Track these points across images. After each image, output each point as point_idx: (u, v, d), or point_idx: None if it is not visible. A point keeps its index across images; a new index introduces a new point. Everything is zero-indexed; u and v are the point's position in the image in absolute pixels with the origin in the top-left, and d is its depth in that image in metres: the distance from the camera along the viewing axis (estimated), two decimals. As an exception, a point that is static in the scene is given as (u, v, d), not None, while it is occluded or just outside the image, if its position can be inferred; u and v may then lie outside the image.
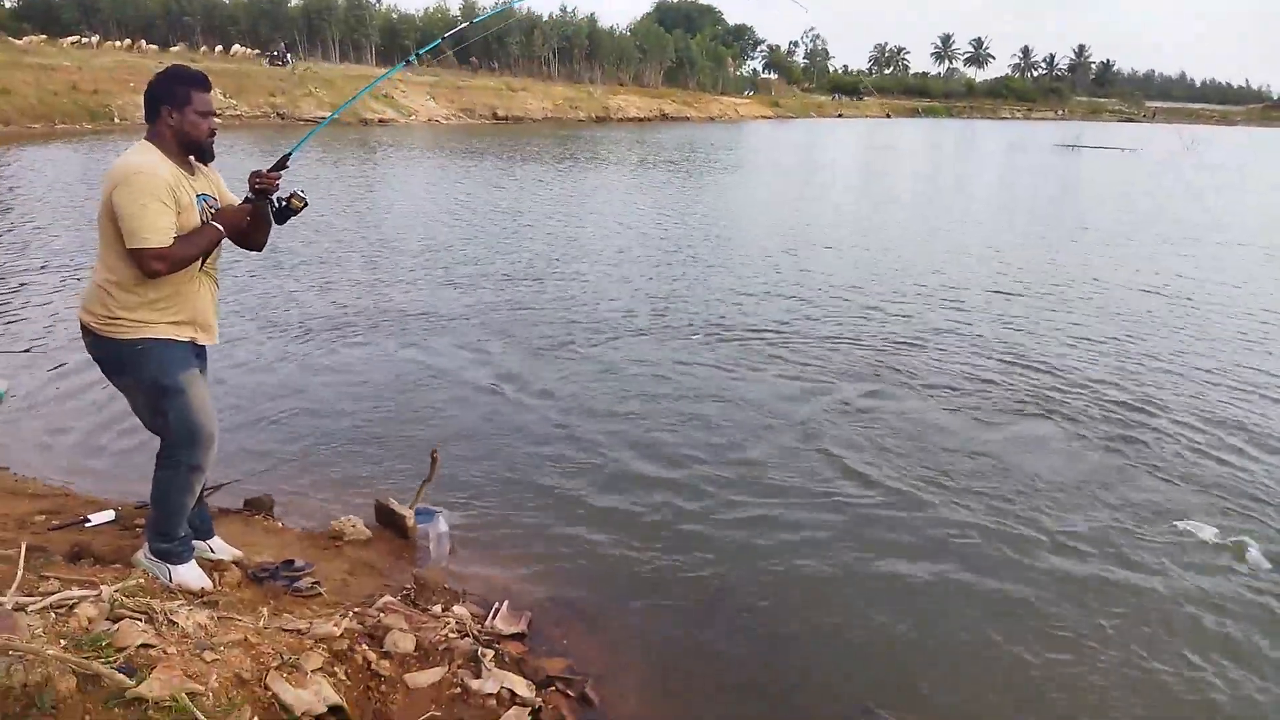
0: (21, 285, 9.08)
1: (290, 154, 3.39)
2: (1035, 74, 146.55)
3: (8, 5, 61.32)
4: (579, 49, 77.72)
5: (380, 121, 42.54)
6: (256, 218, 3.28)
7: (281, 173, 3.31)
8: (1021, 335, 8.47)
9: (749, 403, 6.46)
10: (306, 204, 3.34)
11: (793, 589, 4.07)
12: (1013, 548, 4.47)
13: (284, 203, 3.30)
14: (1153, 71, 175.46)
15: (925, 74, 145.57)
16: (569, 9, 79.56)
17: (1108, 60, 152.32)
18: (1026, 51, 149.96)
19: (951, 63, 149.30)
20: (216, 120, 3.25)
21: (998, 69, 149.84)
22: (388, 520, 4.30)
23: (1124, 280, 11.35)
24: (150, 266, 2.98)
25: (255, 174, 3.24)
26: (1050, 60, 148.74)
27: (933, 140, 55.66)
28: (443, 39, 4.37)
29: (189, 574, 3.32)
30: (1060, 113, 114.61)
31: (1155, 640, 3.77)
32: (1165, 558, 4.41)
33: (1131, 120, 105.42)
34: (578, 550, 4.34)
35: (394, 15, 72.76)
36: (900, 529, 4.64)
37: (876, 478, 5.21)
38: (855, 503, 4.92)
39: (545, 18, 76.30)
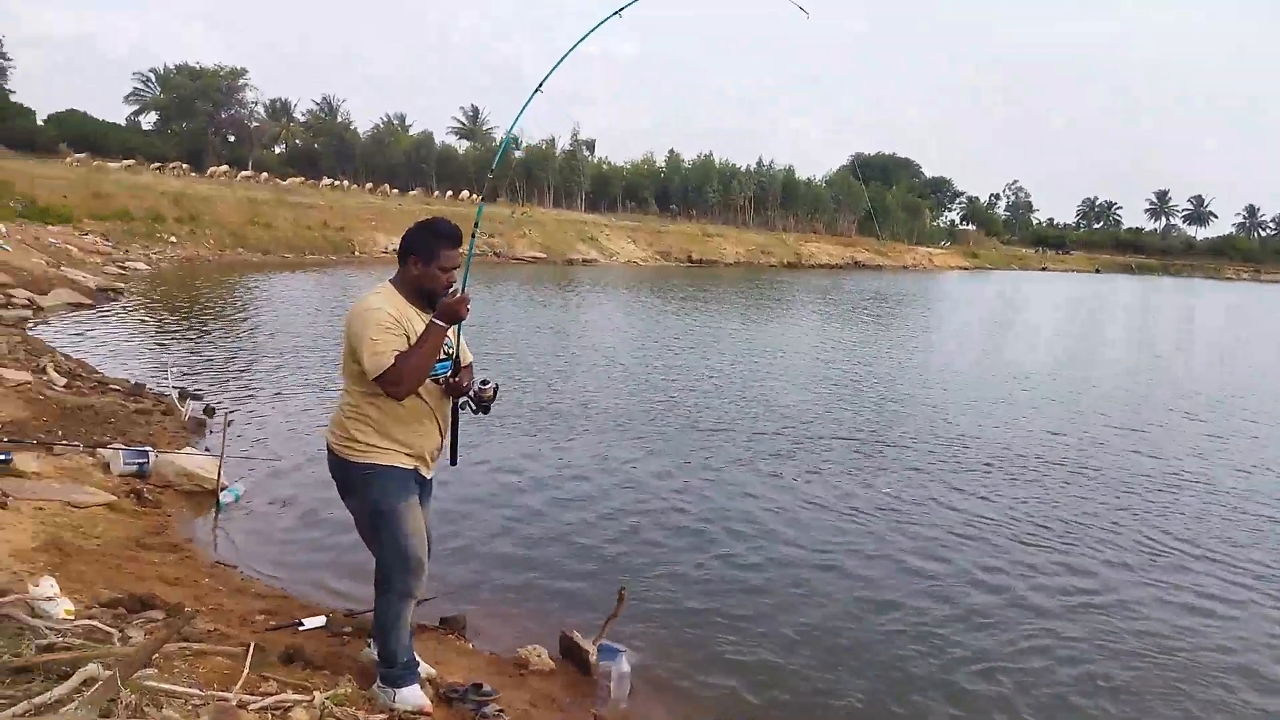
0: (273, 397, 10.01)
1: (448, 369, 3.43)
2: (1263, 234, 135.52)
3: (277, 152, 71.78)
4: (773, 196, 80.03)
5: (584, 261, 45.39)
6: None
7: (458, 379, 3.42)
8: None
9: (957, 537, 6.44)
10: (498, 389, 3.56)
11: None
12: None
13: (478, 395, 3.50)
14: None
15: (1139, 229, 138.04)
16: (766, 163, 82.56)
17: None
18: (1252, 210, 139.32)
19: (1169, 219, 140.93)
20: (457, 273, 3.34)
21: (1220, 227, 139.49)
22: (571, 653, 4.32)
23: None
24: (389, 390, 3.20)
25: (444, 382, 3.41)
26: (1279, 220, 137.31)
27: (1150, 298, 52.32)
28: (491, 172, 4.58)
29: (410, 696, 3.42)
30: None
31: None
32: None
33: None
34: (766, 699, 4.18)
35: (604, 166, 78.24)
36: None
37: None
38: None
39: (744, 169, 79.63)
